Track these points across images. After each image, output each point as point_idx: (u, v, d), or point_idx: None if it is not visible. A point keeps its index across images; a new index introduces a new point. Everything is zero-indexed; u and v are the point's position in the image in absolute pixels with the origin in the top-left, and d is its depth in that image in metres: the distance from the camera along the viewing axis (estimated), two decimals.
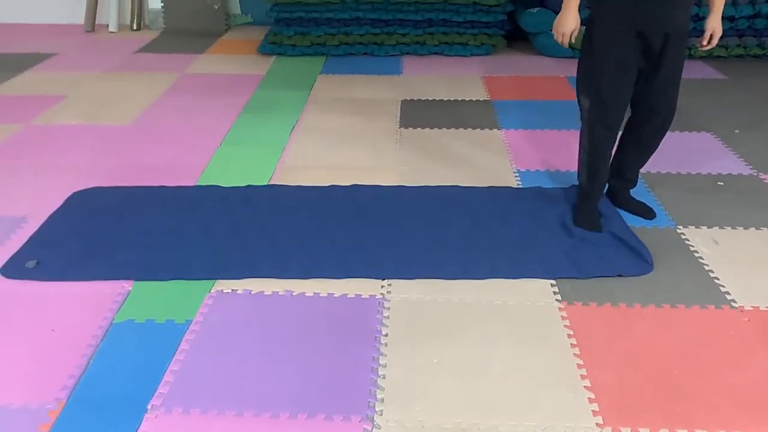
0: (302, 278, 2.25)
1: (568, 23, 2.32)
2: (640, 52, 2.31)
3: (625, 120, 2.52)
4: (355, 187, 2.86)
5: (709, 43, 2.37)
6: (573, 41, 2.38)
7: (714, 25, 2.34)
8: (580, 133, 2.52)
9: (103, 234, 2.50)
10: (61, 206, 2.71)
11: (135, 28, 5.76)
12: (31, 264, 2.31)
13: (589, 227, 2.50)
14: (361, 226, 2.55)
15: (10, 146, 3.37)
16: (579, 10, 2.32)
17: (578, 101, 2.47)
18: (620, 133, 2.54)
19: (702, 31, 2.38)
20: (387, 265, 2.31)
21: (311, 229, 2.53)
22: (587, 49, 2.38)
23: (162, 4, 5.70)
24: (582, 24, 2.36)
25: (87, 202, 2.76)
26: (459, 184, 2.91)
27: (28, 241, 2.46)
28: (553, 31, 2.38)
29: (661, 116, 2.44)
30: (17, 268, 2.30)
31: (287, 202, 2.73)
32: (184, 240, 2.45)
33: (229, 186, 2.89)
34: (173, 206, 2.70)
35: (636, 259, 2.35)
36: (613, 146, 2.49)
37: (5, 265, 2.32)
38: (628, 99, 2.40)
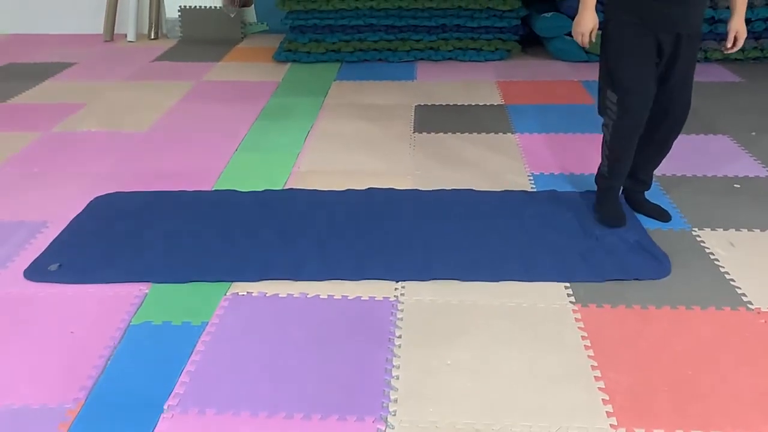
0: (318, 280, 2.27)
1: (586, 23, 2.36)
2: (654, 50, 2.32)
3: None
4: (371, 191, 2.88)
5: (733, 45, 2.36)
6: (593, 40, 2.41)
7: (737, 27, 2.34)
8: (603, 128, 2.51)
9: (124, 238, 2.54)
10: (83, 211, 2.76)
11: (153, 37, 5.85)
12: (53, 267, 2.35)
13: (614, 222, 2.49)
14: (377, 228, 2.57)
15: (30, 153, 3.43)
16: (596, 11, 2.35)
17: (602, 98, 2.47)
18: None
19: (719, 34, 2.38)
20: (402, 267, 2.32)
21: (327, 232, 2.55)
22: (606, 47, 2.41)
23: (179, 14, 5.78)
24: (599, 28, 2.40)
25: (108, 206, 2.81)
26: (473, 188, 2.92)
27: (50, 244, 2.51)
28: (572, 32, 2.41)
29: (675, 116, 2.44)
30: (40, 270, 2.34)
31: (303, 206, 2.76)
32: (202, 243, 2.48)
33: (246, 191, 2.92)
34: (191, 210, 2.74)
35: (653, 263, 2.33)
36: (637, 138, 2.46)
37: (28, 268, 2.36)
38: (653, 89, 2.37)
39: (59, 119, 3.89)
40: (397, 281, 2.28)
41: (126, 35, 5.84)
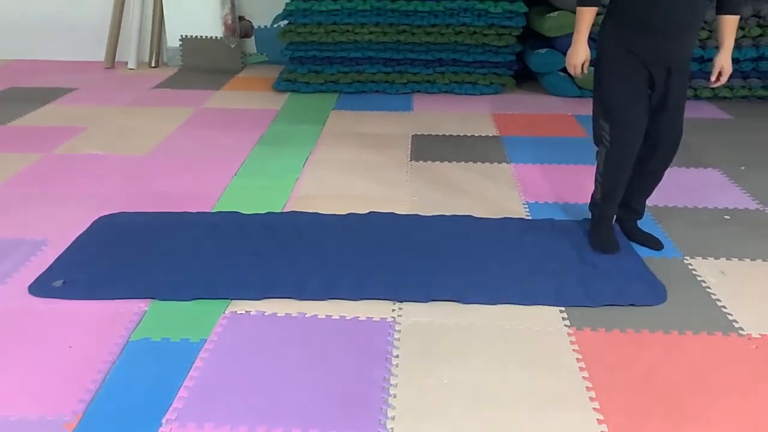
0: (320, 299, 2.30)
1: (579, 55, 2.44)
2: (646, 82, 2.40)
3: None
4: (372, 215, 2.93)
5: (717, 79, 2.43)
6: (585, 72, 2.48)
7: (723, 62, 2.41)
8: (597, 157, 2.58)
9: (128, 256, 2.57)
10: (87, 229, 2.80)
11: (153, 65, 5.93)
12: (58, 283, 2.38)
13: (608, 249, 2.54)
14: (378, 250, 2.61)
15: (31, 174, 3.46)
16: (589, 46, 2.43)
17: (597, 127, 2.54)
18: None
19: (708, 73, 2.46)
20: (402, 288, 2.36)
21: (329, 252, 2.59)
22: (599, 78, 2.48)
23: (180, 43, 5.88)
24: (591, 64, 2.48)
25: (112, 225, 2.84)
26: (472, 215, 2.96)
27: (55, 261, 2.53)
28: (566, 64, 2.49)
29: (667, 147, 2.51)
30: (44, 286, 2.37)
31: (306, 228, 2.81)
32: (205, 262, 2.52)
33: (249, 213, 2.96)
34: (195, 230, 2.78)
35: (648, 290, 2.37)
36: (631, 167, 2.53)
37: (33, 284, 2.39)
38: (645, 119, 2.44)
39: (60, 142, 3.94)
40: (398, 301, 2.31)
41: (127, 63, 5.92)
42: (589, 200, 2.76)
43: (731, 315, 2.27)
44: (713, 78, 2.44)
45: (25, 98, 4.85)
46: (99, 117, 4.44)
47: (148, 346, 2.08)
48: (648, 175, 2.62)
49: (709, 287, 2.44)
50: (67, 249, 2.63)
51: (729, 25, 2.39)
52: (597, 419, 1.80)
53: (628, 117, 2.42)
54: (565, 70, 4.95)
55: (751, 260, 2.63)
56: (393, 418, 1.79)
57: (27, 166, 3.55)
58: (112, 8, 5.86)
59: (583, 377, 1.96)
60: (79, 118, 4.40)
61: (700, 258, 2.64)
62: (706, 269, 2.56)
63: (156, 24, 5.90)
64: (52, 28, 6.04)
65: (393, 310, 2.28)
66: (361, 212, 2.97)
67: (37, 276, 2.44)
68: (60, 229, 2.82)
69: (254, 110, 4.66)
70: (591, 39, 2.45)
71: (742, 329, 2.20)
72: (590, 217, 2.73)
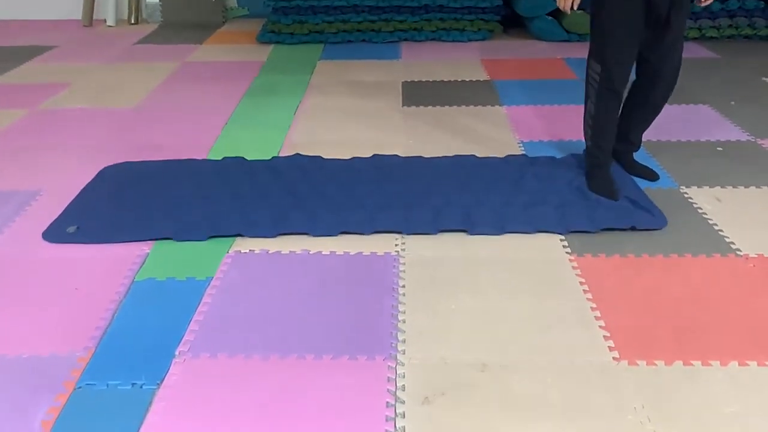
0: (331, 235, 2.32)
1: None
2: (646, 18, 2.38)
3: (629, 84, 2.58)
4: (376, 157, 2.93)
5: None
6: (575, 8, 2.45)
7: None
8: (586, 98, 2.58)
9: (138, 201, 2.56)
10: (94, 179, 2.78)
11: (133, 22, 5.79)
12: (71, 229, 2.37)
13: (605, 194, 2.54)
14: (384, 189, 2.62)
15: (18, 128, 3.39)
16: None
17: (588, 67, 2.53)
18: (624, 96, 2.60)
19: (695, 13, 2.45)
20: (412, 222, 2.37)
21: (337, 192, 2.59)
22: (597, 16, 2.46)
23: None
24: (581, 7, 2.45)
25: (119, 174, 2.82)
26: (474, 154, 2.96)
27: (65, 209, 2.52)
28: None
29: (667, 77, 2.52)
30: (58, 233, 2.36)
31: (311, 170, 2.80)
32: (215, 204, 2.51)
33: (253, 159, 2.94)
34: (201, 176, 2.77)
35: (649, 216, 2.40)
36: (619, 109, 2.55)
37: (47, 231, 2.37)
38: (633, 63, 2.46)
39: (44, 98, 3.85)
40: (408, 234, 2.33)
41: (105, 20, 5.78)
42: (582, 137, 2.76)
43: (728, 238, 2.31)
44: None
45: (4, 57, 4.72)
46: (81, 73, 4.34)
47: (154, 286, 2.08)
48: (647, 108, 2.63)
49: (705, 213, 2.48)
50: (76, 197, 2.61)
51: None
52: (603, 336, 1.84)
53: (620, 58, 2.42)
54: (552, 13, 4.92)
55: (745, 187, 2.67)
56: (404, 341, 1.81)
57: (12, 121, 3.48)
58: None
59: (587, 299, 2.00)
60: (61, 75, 4.30)
61: (696, 187, 2.68)
62: (702, 197, 2.60)
63: None
64: None
65: (396, 245, 2.30)
66: (362, 156, 2.95)
67: (33, 224, 2.42)
68: (54, 180, 2.78)
69: (239, 62, 4.58)
70: None
71: (739, 250, 2.24)
72: (586, 165, 2.71)
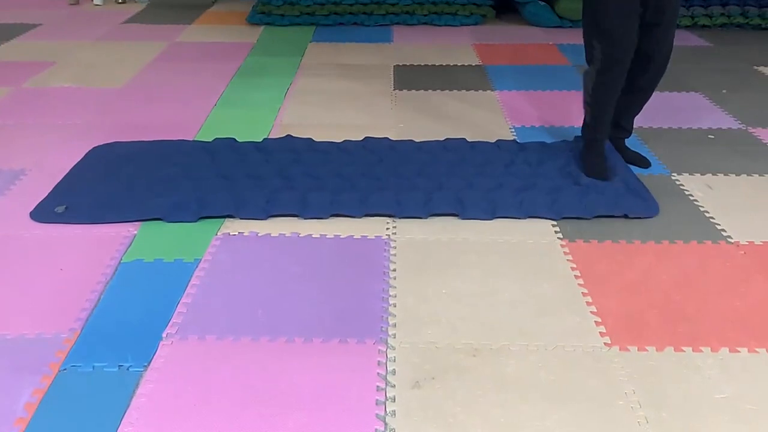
0: (322, 217, 2.30)
1: None
2: (640, 2, 2.36)
3: None
4: (368, 140, 2.89)
5: None
6: None
7: None
8: (585, 78, 2.55)
9: (128, 181, 2.52)
10: (83, 158, 2.73)
11: (120, 1, 5.70)
12: (60, 209, 2.33)
13: (597, 175, 2.52)
14: (376, 172, 2.59)
15: (2, 106, 3.33)
16: None
17: (588, 47, 2.50)
18: None
19: (688, 0, 2.42)
20: (404, 205, 2.35)
21: (328, 174, 2.56)
22: None
23: None
24: None
25: (109, 154, 2.77)
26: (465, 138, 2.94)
27: (54, 188, 2.48)
28: None
29: (659, 62, 2.50)
30: (46, 212, 2.32)
31: (302, 152, 2.77)
32: (206, 185, 2.47)
33: (244, 140, 2.89)
34: (192, 156, 2.72)
35: (641, 203, 2.39)
36: (621, 86, 2.51)
37: (35, 210, 2.33)
38: (635, 38, 2.41)
39: (29, 76, 3.78)
40: (400, 217, 2.31)
41: None
42: (574, 124, 2.75)
43: (719, 225, 2.31)
44: None
45: None
46: (67, 52, 4.27)
47: (141, 267, 2.05)
48: (638, 93, 2.61)
49: (696, 200, 2.47)
50: (65, 177, 2.57)
51: None
52: (594, 321, 1.83)
53: (620, 35, 2.39)
54: None
55: (736, 175, 2.67)
56: (394, 325, 1.80)
57: None
58: None
59: (578, 284, 1.99)
60: (46, 53, 4.22)
61: (687, 174, 2.67)
62: (693, 184, 2.59)
63: None
64: None
65: (387, 228, 2.28)
66: (352, 138, 2.92)
67: (19, 203, 2.38)
68: (38, 160, 2.73)
69: (229, 43, 4.52)
70: None
71: (730, 237, 2.24)
72: (582, 142, 2.70)
